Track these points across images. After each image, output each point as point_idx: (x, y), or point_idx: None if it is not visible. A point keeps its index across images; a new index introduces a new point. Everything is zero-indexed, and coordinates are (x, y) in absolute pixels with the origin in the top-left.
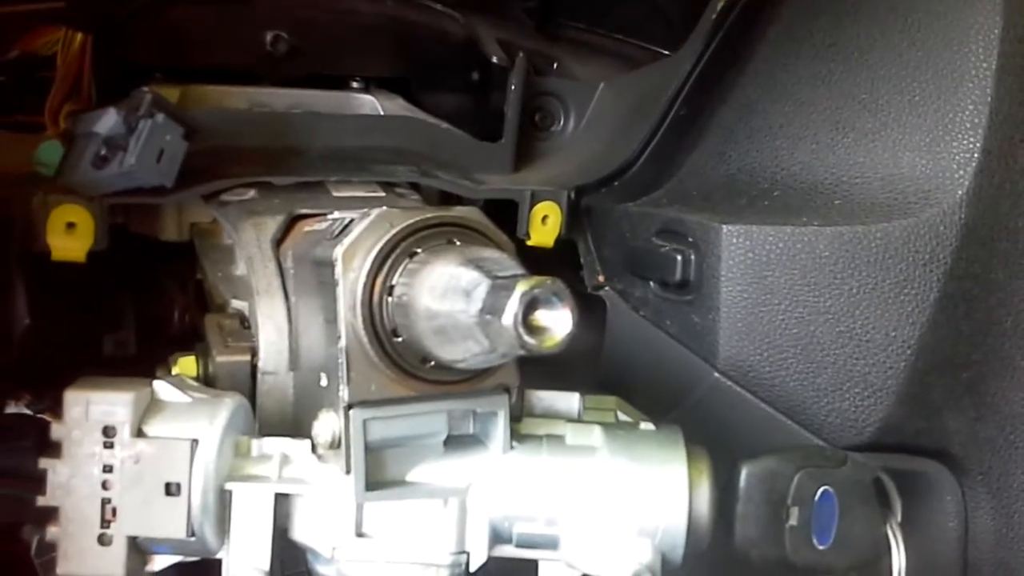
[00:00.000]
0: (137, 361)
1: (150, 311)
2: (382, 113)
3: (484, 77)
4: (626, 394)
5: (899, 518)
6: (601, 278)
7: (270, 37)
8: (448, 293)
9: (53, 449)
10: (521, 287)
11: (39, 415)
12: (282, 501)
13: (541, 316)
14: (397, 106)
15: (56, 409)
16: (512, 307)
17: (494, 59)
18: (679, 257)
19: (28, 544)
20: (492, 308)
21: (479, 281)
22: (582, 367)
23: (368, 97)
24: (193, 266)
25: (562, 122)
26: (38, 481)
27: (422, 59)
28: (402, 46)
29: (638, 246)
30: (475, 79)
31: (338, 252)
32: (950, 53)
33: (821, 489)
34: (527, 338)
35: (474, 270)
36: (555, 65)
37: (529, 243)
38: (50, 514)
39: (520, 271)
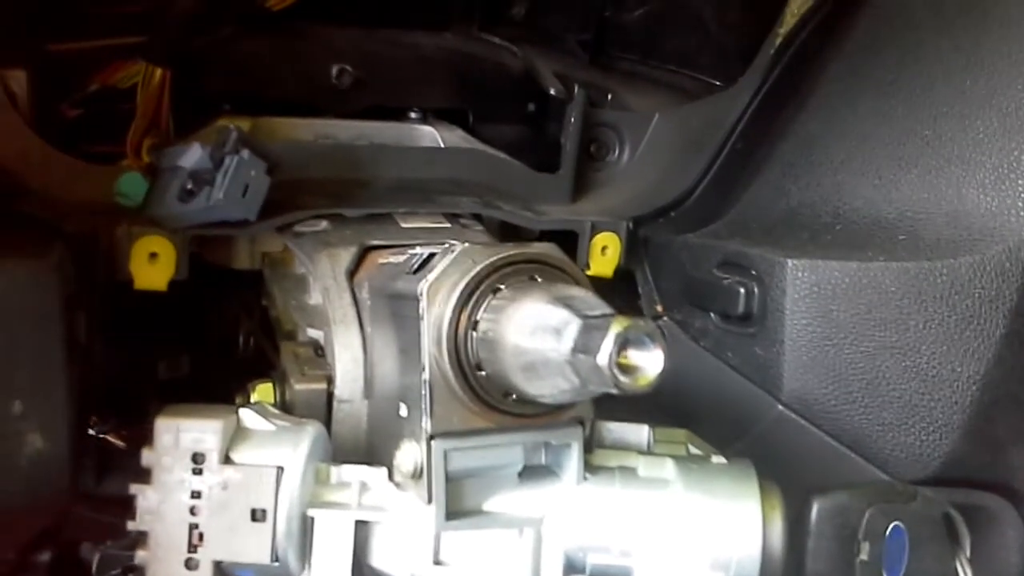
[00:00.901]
0: (192, 383)
1: (211, 335)
2: (442, 144)
3: (540, 109)
4: (686, 425)
5: (968, 553)
6: (660, 308)
7: (336, 70)
8: (538, 331)
9: (142, 475)
10: (615, 328)
11: (102, 436)
12: (361, 528)
13: (633, 356)
14: (456, 137)
15: (120, 431)
16: (607, 347)
17: (551, 91)
18: (742, 290)
19: (88, 563)
20: (585, 347)
21: (570, 320)
22: (640, 398)
23: (429, 128)
24: (258, 292)
25: (617, 153)
26: (101, 500)
27: (480, 91)
28: (461, 78)
29: (699, 277)
30: (531, 111)
31: (423, 288)
32: (1014, 91)
33: (892, 524)
34: (621, 377)
35: (564, 308)
36: (609, 96)
37: (589, 273)
38: (138, 538)
39: (609, 310)
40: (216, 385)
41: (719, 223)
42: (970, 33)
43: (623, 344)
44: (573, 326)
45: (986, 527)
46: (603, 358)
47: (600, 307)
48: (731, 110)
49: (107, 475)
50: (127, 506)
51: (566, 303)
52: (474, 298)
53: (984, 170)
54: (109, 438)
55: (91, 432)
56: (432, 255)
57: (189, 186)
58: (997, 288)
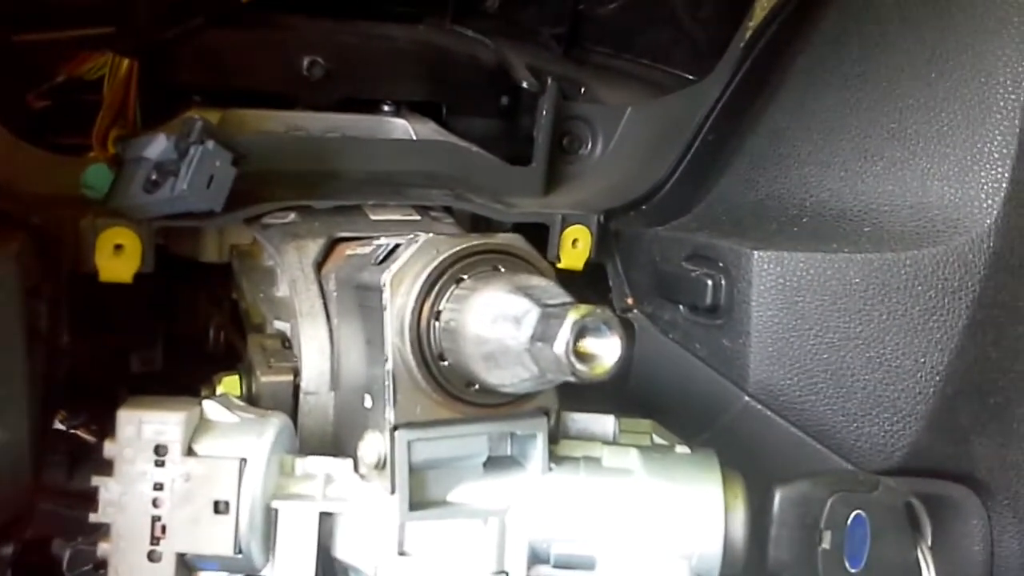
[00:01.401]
0: (164, 378)
1: (182, 329)
2: (414, 136)
3: (513, 101)
4: (655, 416)
5: (930, 542)
6: (630, 301)
7: (307, 62)
8: (498, 320)
9: (105, 467)
10: (572, 315)
11: (72, 431)
12: (325, 520)
13: (590, 344)
14: (429, 130)
15: (90, 425)
16: (564, 335)
17: (524, 84)
18: (710, 282)
19: (58, 559)
20: (543, 335)
21: (529, 309)
22: (609, 390)
23: (400, 121)
24: (227, 285)
25: (590, 146)
26: (71, 496)
27: (453, 84)
28: (434, 71)
29: (668, 270)
30: (504, 103)
31: (386, 278)
32: (978, 84)
33: (854, 513)
34: (578, 365)
35: (523, 297)
36: (583, 90)
37: (559, 266)
38: (101, 531)
39: (568, 299)
40: (188, 379)
41: (689, 216)
42: (935, 26)
43: (580, 332)
44: (532, 315)
45: (950, 517)
46: (560, 346)
47: (560, 296)
48: (702, 103)
49: (78, 470)
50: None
51: (526, 292)
52: (437, 288)
53: (948, 162)
54: (79, 433)
55: (61, 427)
56: (397, 246)
57: (154, 177)
58: (960, 279)
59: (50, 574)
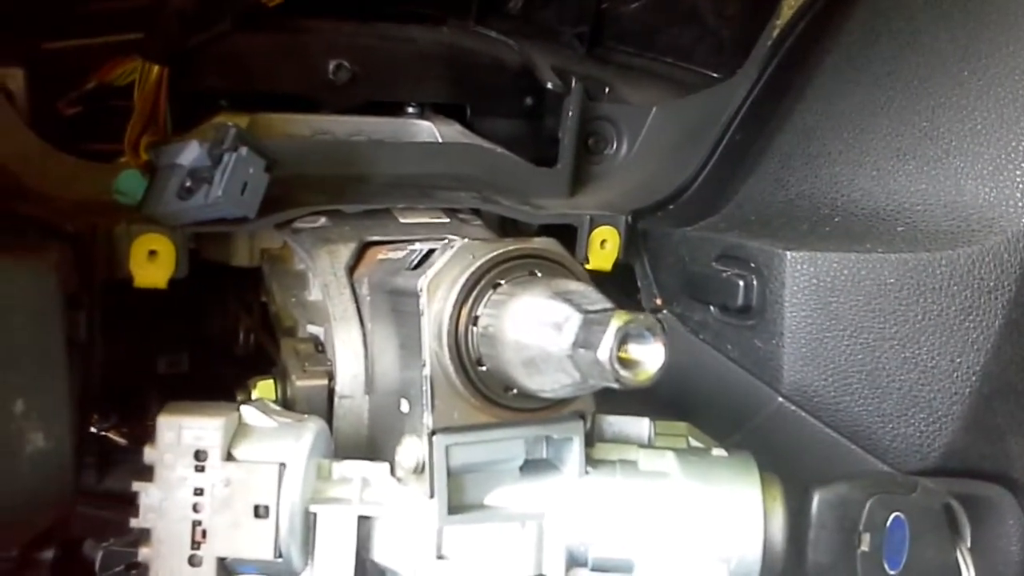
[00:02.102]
0: (192, 380)
1: (209, 331)
2: (440, 138)
3: (538, 102)
4: (686, 418)
5: (968, 544)
6: (659, 301)
7: (332, 65)
8: (539, 326)
9: (145, 473)
10: (616, 322)
11: (103, 433)
12: (363, 523)
13: (633, 350)
14: (454, 131)
15: (120, 427)
16: (608, 342)
17: (549, 85)
18: (741, 282)
19: (91, 560)
20: (585, 342)
21: (570, 315)
22: (641, 391)
23: (426, 123)
24: (257, 289)
25: (615, 146)
26: (102, 497)
27: (477, 85)
28: (458, 73)
29: (698, 271)
30: (529, 104)
31: (422, 283)
32: (1012, 81)
33: (892, 515)
34: (622, 372)
35: (564, 303)
36: (607, 90)
37: (587, 267)
38: (142, 536)
39: (608, 304)
40: (216, 382)
41: (718, 216)
42: (967, 24)
43: (623, 338)
44: (573, 321)
45: (986, 517)
46: (604, 353)
47: (600, 302)
48: (729, 102)
49: (109, 472)
50: (129, 503)
51: (566, 298)
52: (474, 293)
53: (982, 161)
54: (110, 435)
55: (92, 430)
56: (432, 251)
57: (188, 184)
58: (996, 279)
59: (81, 574)
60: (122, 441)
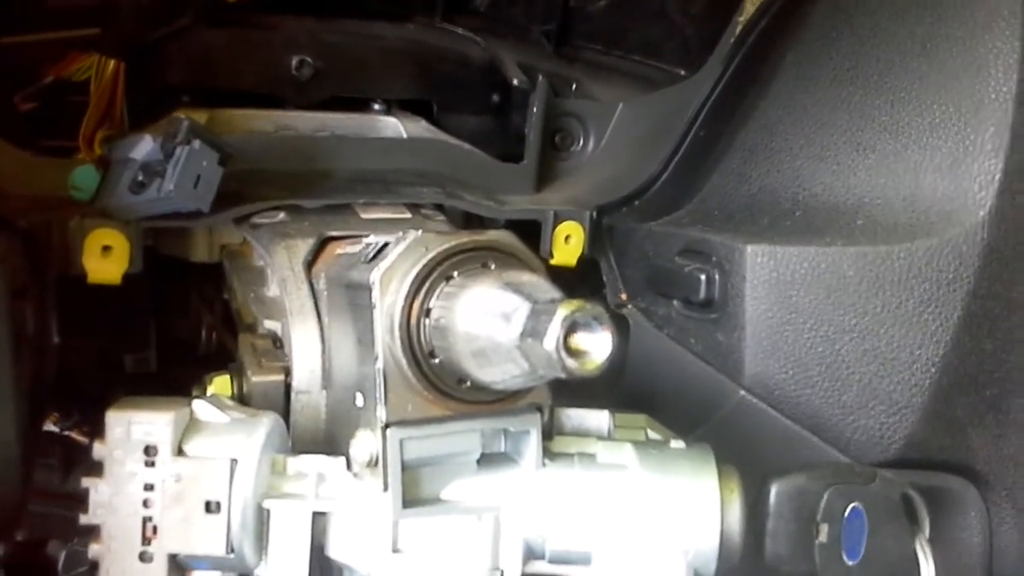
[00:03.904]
0: (159, 380)
1: (175, 329)
2: (405, 135)
3: (504, 99)
4: (650, 411)
5: (928, 534)
6: (624, 296)
7: (295, 61)
8: (488, 317)
9: (95, 468)
10: (562, 311)
11: (65, 433)
12: (318, 519)
13: (581, 339)
14: (420, 128)
15: (83, 427)
16: (554, 331)
17: (515, 81)
18: (703, 276)
19: (53, 560)
20: (533, 332)
21: (519, 305)
22: (604, 385)
23: (391, 119)
24: (219, 286)
25: (582, 143)
26: (65, 498)
27: (444, 82)
28: (424, 69)
29: (661, 265)
30: (495, 101)
31: (375, 276)
32: (970, 76)
33: (851, 506)
34: (568, 361)
35: (513, 294)
36: (574, 87)
37: (552, 263)
38: (92, 532)
39: (558, 295)
40: (183, 381)
41: (682, 211)
42: (926, 19)
43: (571, 328)
44: (522, 311)
45: (948, 509)
46: (550, 342)
47: (550, 292)
48: (694, 98)
49: (72, 472)
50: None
51: (516, 288)
52: (426, 285)
53: (941, 154)
54: (72, 435)
55: (54, 429)
56: (387, 244)
57: (140, 178)
58: (955, 271)
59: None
60: (85, 440)
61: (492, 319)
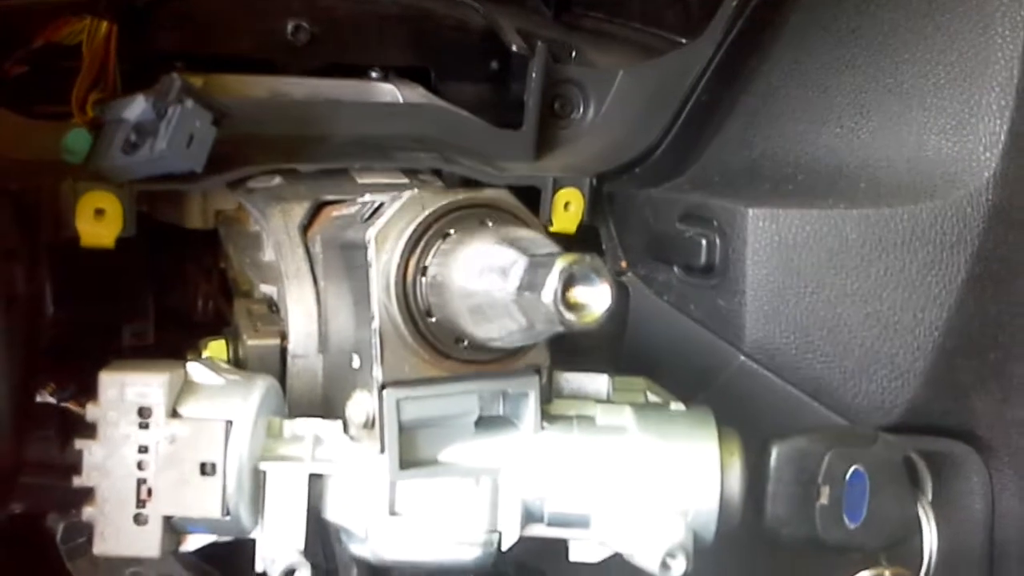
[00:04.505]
0: (156, 351)
1: (172, 300)
2: (402, 102)
3: (503, 66)
4: (651, 379)
5: (930, 497)
6: (624, 264)
7: (291, 26)
8: (485, 271)
9: (88, 430)
10: (560, 264)
11: (63, 404)
12: (315, 481)
13: (579, 292)
14: (417, 95)
15: (80, 398)
16: (551, 284)
17: (514, 48)
18: (704, 241)
19: (52, 532)
20: (530, 285)
21: (516, 259)
22: (604, 355)
23: (388, 86)
24: (216, 254)
25: (582, 110)
26: (63, 470)
27: (442, 48)
28: (422, 35)
29: (661, 231)
30: (494, 68)
31: (371, 234)
32: (975, 35)
33: (852, 468)
34: (566, 314)
35: (510, 248)
36: (573, 54)
37: (552, 230)
38: (85, 495)
39: (556, 249)
40: (181, 353)
41: (683, 177)
42: None
43: (568, 280)
44: (519, 264)
45: (951, 474)
46: (548, 295)
47: (549, 246)
48: (695, 64)
49: (69, 444)
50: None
51: (513, 243)
52: (423, 243)
53: (946, 115)
54: (70, 406)
55: (51, 400)
56: (383, 203)
57: (133, 138)
58: (958, 233)
59: (44, 548)
60: (82, 412)
61: (489, 274)
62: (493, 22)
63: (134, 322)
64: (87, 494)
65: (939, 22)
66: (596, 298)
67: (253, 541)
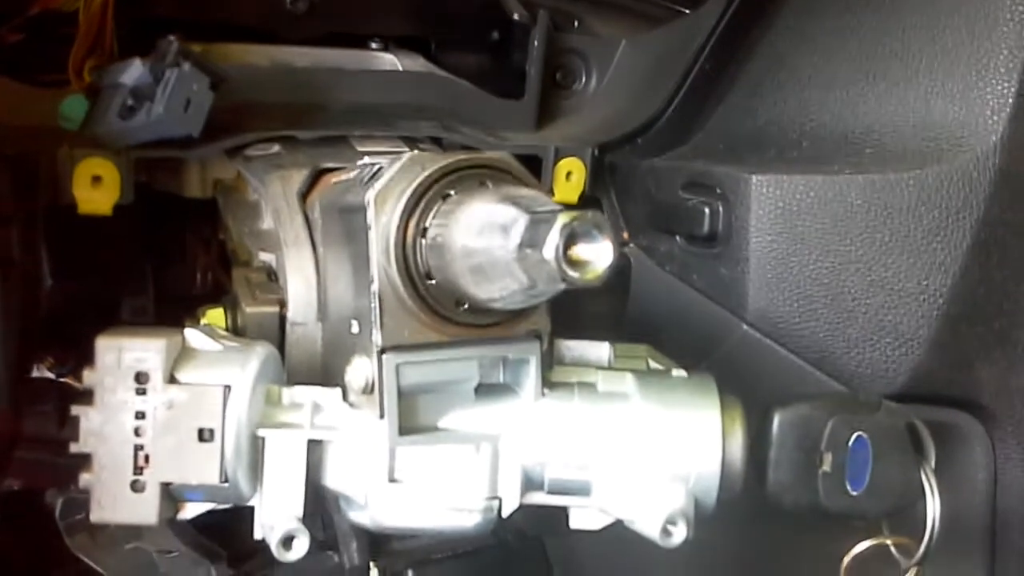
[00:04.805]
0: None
1: (170, 271)
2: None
3: (505, 35)
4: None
5: (933, 464)
6: (625, 235)
7: None
8: (485, 230)
9: (85, 396)
10: (561, 220)
11: (61, 379)
12: (314, 448)
13: (581, 249)
14: (417, 65)
15: (78, 372)
16: (553, 240)
17: (515, 16)
18: (707, 209)
19: (51, 508)
20: (531, 242)
21: (517, 216)
22: (606, 327)
23: (388, 56)
24: (215, 225)
25: (584, 80)
26: (62, 445)
27: (442, 18)
28: (422, 5)
29: (664, 200)
30: (495, 38)
31: (370, 196)
32: None
33: (855, 435)
34: (569, 271)
35: (511, 206)
36: (576, 23)
37: (553, 200)
38: (83, 468)
39: (557, 206)
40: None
41: (686, 146)
42: None
43: (570, 237)
44: (520, 222)
45: (954, 444)
46: (549, 251)
47: (549, 204)
48: (698, 33)
49: (68, 419)
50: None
51: (514, 201)
52: (422, 204)
53: (952, 79)
54: (68, 381)
55: (50, 375)
56: (382, 167)
57: (130, 103)
58: (964, 198)
59: (42, 525)
60: (80, 386)
61: (490, 232)
62: None
63: (132, 297)
64: (84, 464)
65: None
66: (598, 254)
67: (251, 511)
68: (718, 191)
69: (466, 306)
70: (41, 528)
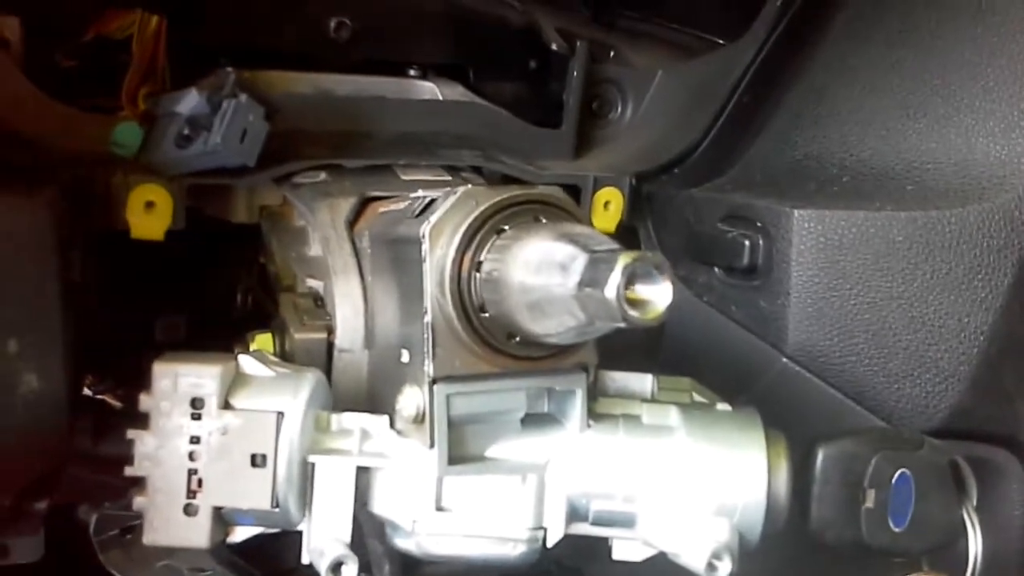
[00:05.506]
0: (189, 345)
1: (208, 298)
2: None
3: (542, 65)
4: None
5: (975, 502)
6: None
7: (334, 23)
8: (543, 267)
9: (141, 420)
10: (623, 260)
11: (99, 396)
12: (362, 475)
13: (640, 289)
14: (456, 93)
15: (116, 391)
16: (614, 280)
17: (553, 47)
18: (747, 242)
19: (85, 523)
20: (591, 281)
21: (576, 255)
22: (644, 354)
23: (429, 84)
24: (256, 248)
25: (620, 110)
26: (97, 461)
27: (481, 47)
28: (461, 33)
29: (703, 232)
30: (533, 67)
31: (425, 229)
32: None
33: (898, 472)
34: (630, 311)
35: (570, 244)
36: (612, 54)
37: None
38: (119, 487)
39: (616, 245)
40: (215, 347)
41: (724, 177)
42: None
43: (630, 277)
44: (580, 260)
45: (991, 480)
46: (611, 291)
47: (607, 243)
48: (736, 65)
49: (104, 436)
50: (125, 466)
51: (572, 239)
52: (477, 239)
53: (994, 118)
54: (106, 398)
55: (88, 392)
56: (434, 200)
57: (186, 132)
58: (1006, 237)
59: (76, 539)
60: (118, 404)
61: (548, 269)
62: (532, 21)
63: (167, 316)
64: (138, 487)
65: (989, 23)
66: (658, 295)
67: (283, 533)
68: (759, 224)
69: (518, 339)
70: (71, 542)
